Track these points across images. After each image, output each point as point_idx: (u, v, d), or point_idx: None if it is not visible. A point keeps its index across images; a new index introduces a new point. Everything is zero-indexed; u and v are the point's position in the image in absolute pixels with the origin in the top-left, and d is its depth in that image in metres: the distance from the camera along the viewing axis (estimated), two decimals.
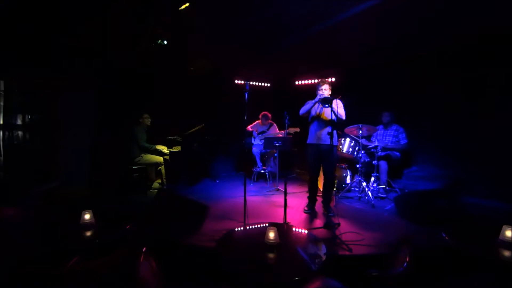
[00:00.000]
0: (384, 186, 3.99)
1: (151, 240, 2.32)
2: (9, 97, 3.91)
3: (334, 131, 2.85)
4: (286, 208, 2.84)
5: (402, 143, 4.12)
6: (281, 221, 2.86)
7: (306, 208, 3.41)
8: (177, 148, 4.69)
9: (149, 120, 4.55)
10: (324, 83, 3.25)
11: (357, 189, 4.12)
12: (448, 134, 4.02)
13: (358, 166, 4.04)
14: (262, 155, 5.18)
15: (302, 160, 5.63)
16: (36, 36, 3.57)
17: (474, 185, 3.60)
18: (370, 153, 4.09)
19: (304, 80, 5.75)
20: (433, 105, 4.20)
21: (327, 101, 2.95)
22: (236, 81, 5.73)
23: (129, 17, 3.13)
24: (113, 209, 3.39)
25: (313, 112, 3.35)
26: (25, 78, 4.11)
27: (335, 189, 3.91)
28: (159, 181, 4.61)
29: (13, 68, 3.92)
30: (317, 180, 3.44)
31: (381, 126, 4.36)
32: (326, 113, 3.22)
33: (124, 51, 4.29)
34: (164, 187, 4.46)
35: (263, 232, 1.67)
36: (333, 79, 5.13)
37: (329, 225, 2.81)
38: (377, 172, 3.95)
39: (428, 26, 3.35)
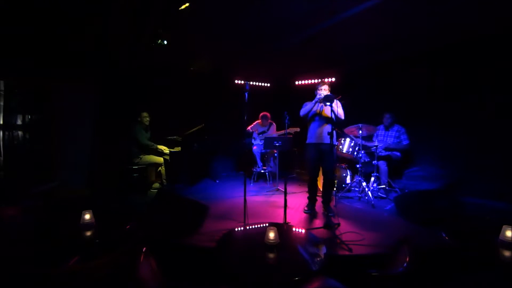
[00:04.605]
0: (384, 186, 3.99)
1: (151, 240, 2.32)
2: (9, 97, 3.91)
3: (334, 131, 2.85)
4: (286, 208, 2.84)
5: (404, 143, 4.11)
6: (281, 221, 2.85)
7: (306, 208, 3.41)
8: (177, 148, 4.69)
9: (148, 119, 4.55)
10: (323, 84, 3.27)
11: (357, 189, 4.12)
12: (449, 134, 4.02)
13: (358, 166, 4.04)
14: (262, 155, 5.18)
15: (302, 160, 5.64)
16: (36, 36, 3.56)
17: (474, 185, 3.60)
18: (370, 153, 4.09)
19: (304, 80, 5.75)
20: (433, 104, 4.20)
21: (328, 99, 2.94)
22: (236, 81, 5.73)
23: (129, 17, 3.13)
24: (113, 209, 3.39)
25: (313, 111, 3.35)
26: (25, 78, 4.11)
27: (335, 189, 3.91)
28: (159, 181, 4.61)
29: (13, 68, 3.92)
30: (316, 180, 3.44)
31: (381, 127, 4.36)
32: (326, 110, 3.22)
33: (124, 51, 4.28)
34: (164, 187, 4.46)
35: (263, 232, 1.67)
36: (333, 79, 5.13)
37: (329, 225, 2.80)
38: (377, 172, 3.94)
39: (428, 25, 3.35)
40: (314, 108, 3.32)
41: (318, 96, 3.21)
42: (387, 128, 4.30)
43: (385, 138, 4.28)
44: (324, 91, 3.24)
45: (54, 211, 2.78)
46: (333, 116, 2.88)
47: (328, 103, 2.97)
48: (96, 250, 1.67)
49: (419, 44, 4.01)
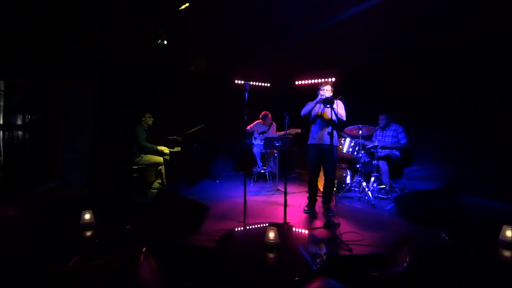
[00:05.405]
0: (384, 186, 3.99)
1: (151, 240, 2.32)
2: (9, 97, 3.91)
3: (335, 131, 2.85)
4: (286, 208, 2.84)
5: (402, 142, 4.11)
6: (281, 221, 2.86)
7: (306, 208, 3.41)
8: (177, 148, 4.69)
9: (151, 120, 4.55)
10: (326, 84, 3.27)
11: (357, 189, 4.12)
12: (448, 134, 4.02)
13: (358, 166, 4.04)
14: (262, 155, 5.18)
15: (302, 160, 5.64)
16: (36, 37, 3.57)
17: (474, 185, 3.60)
18: (370, 153, 4.09)
19: (304, 80, 5.75)
20: (433, 104, 4.20)
21: (328, 102, 2.95)
22: (236, 81, 5.73)
23: (129, 17, 3.13)
24: (113, 209, 3.39)
25: (314, 112, 3.35)
26: (25, 78, 4.12)
27: (335, 189, 3.91)
28: (159, 181, 4.61)
29: (13, 68, 3.93)
30: (317, 180, 3.44)
31: (378, 128, 4.35)
32: (328, 112, 3.23)
33: (124, 51, 4.29)
34: (164, 187, 4.46)
35: (263, 232, 1.67)
36: (333, 79, 5.13)
37: (329, 225, 2.81)
38: (377, 172, 3.94)
39: (428, 26, 3.35)
40: (316, 109, 3.32)
41: (319, 97, 3.21)
42: (383, 129, 4.30)
43: (383, 138, 4.28)
44: (326, 91, 3.23)
45: (54, 211, 2.78)
46: (334, 117, 2.88)
47: (328, 105, 2.98)
48: (96, 250, 1.67)
49: (419, 44, 4.01)
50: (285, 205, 2.84)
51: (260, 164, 5.14)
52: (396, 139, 4.17)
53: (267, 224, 2.00)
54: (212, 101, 5.87)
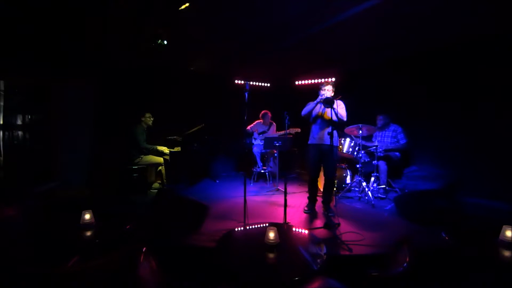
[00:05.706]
0: (384, 186, 3.99)
1: (151, 240, 2.32)
2: (9, 97, 3.91)
3: (335, 131, 2.84)
4: (286, 208, 2.84)
5: (401, 142, 4.11)
6: (281, 221, 2.86)
7: (306, 208, 3.41)
8: (177, 148, 4.69)
9: (151, 119, 4.53)
10: (327, 84, 3.27)
11: (357, 189, 4.12)
12: (448, 134, 4.02)
13: (358, 166, 4.04)
14: (262, 155, 5.18)
15: (302, 160, 5.64)
16: (36, 37, 3.57)
17: (474, 185, 3.60)
18: (370, 153, 4.09)
19: (304, 80, 5.75)
20: (433, 104, 4.20)
21: (328, 102, 2.95)
22: (236, 81, 5.73)
23: (129, 17, 3.13)
24: (113, 209, 3.39)
25: (315, 112, 3.35)
26: (25, 78, 4.12)
27: (335, 189, 3.91)
28: (159, 181, 4.61)
29: (13, 68, 3.93)
30: (317, 180, 3.44)
31: (377, 129, 4.34)
32: (328, 112, 3.23)
33: (124, 51, 4.29)
34: (164, 187, 4.46)
35: (263, 232, 1.67)
36: (333, 79, 5.13)
37: (329, 225, 2.81)
38: (377, 172, 3.94)
39: (428, 26, 3.35)
40: (316, 109, 3.32)
41: (320, 97, 3.21)
42: (381, 129, 4.30)
43: (383, 139, 4.28)
44: (327, 91, 3.23)
45: (54, 211, 2.78)
46: (334, 117, 2.87)
47: (327, 106, 2.98)
48: (96, 250, 1.67)
49: (419, 44, 4.01)
50: (285, 205, 2.84)
51: (260, 164, 5.13)
52: (395, 139, 4.17)
53: (267, 224, 2.00)
54: (212, 101, 5.86)
